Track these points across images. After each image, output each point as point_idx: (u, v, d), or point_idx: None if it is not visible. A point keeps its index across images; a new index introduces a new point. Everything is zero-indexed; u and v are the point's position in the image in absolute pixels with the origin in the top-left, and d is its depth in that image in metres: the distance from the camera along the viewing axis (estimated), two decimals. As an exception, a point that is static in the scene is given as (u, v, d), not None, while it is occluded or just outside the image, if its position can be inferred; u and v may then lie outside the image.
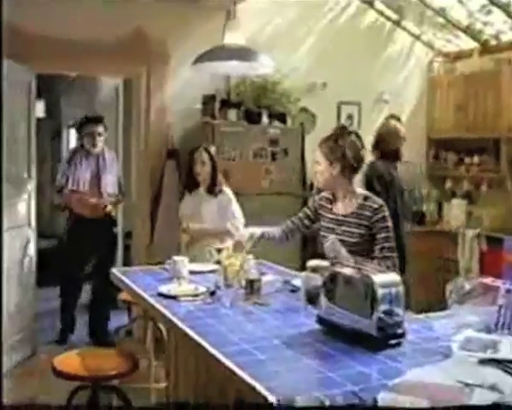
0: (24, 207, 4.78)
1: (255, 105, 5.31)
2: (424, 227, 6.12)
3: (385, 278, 2.11)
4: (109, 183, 5.11)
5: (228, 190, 4.28)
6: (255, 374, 1.78)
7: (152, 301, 2.66)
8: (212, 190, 4.20)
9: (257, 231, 3.10)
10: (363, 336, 2.06)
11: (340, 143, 2.90)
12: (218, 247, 3.68)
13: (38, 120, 10.25)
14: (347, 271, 2.23)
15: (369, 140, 5.99)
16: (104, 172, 5.08)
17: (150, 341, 3.81)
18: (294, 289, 2.86)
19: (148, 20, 5.10)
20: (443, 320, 2.28)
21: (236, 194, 5.00)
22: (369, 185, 3.87)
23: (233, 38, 3.27)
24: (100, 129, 5.09)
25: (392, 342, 2.05)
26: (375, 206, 2.89)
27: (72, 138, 9.72)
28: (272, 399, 1.61)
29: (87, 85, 7.91)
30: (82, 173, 5.01)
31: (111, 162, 5.17)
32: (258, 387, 1.69)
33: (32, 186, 4.89)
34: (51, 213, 9.57)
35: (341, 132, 2.94)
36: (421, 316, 2.46)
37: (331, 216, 3.03)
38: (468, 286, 2.39)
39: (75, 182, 4.99)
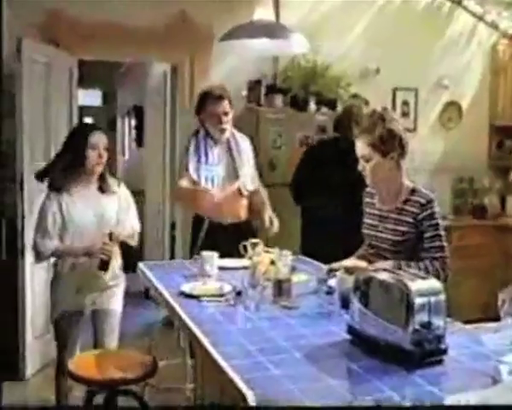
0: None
1: (303, 90, 5.04)
2: (486, 221, 5.76)
3: (423, 286, 1.84)
4: (248, 177, 3.90)
5: (124, 187, 3.37)
6: (265, 395, 1.55)
7: (171, 300, 2.46)
8: (107, 185, 3.24)
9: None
10: (396, 350, 1.80)
11: (391, 128, 2.60)
12: (254, 241, 3.39)
13: (95, 108, 10.38)
14: (383, 275, 1.96)
15: (425, 129, 5.80)
16: (240, 163, 3.86)
17: (184, 339, 3.62)
18: (330, 291, 2.59)
19: (193, 5, 4.93)
20: (494, 335, 1.97)
21: (282, 184, 4.81)
22: None
23: (263, 14, 2.95)
24: (225, 106, 3.73)
25: (430, 359, 1.78)
26: (423, 201, 2.59)
27: (126, 128, 9.70)
28: None
29: (138, 73, 7.82)
30: (215, 168, 3.79)
31: (246, 150, 3.95)
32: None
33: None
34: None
35: (382, 117, 2.63)
36: (469, 327, 2.16)
37: (375, 212, 2.76)
38: (524, 295, 2.08)
39: (209, 180, 3.75)
